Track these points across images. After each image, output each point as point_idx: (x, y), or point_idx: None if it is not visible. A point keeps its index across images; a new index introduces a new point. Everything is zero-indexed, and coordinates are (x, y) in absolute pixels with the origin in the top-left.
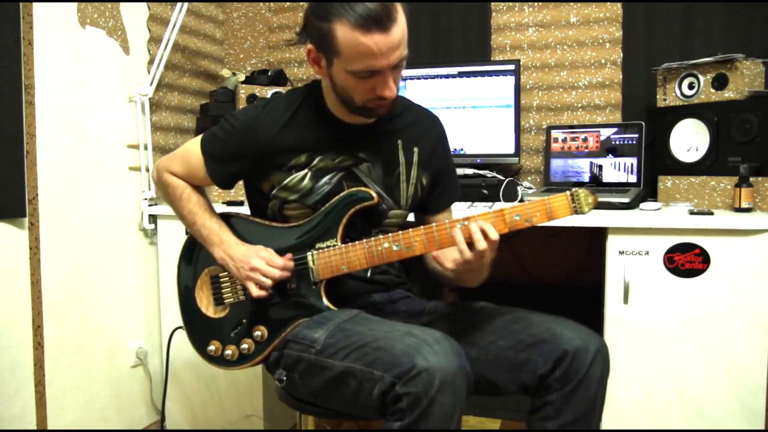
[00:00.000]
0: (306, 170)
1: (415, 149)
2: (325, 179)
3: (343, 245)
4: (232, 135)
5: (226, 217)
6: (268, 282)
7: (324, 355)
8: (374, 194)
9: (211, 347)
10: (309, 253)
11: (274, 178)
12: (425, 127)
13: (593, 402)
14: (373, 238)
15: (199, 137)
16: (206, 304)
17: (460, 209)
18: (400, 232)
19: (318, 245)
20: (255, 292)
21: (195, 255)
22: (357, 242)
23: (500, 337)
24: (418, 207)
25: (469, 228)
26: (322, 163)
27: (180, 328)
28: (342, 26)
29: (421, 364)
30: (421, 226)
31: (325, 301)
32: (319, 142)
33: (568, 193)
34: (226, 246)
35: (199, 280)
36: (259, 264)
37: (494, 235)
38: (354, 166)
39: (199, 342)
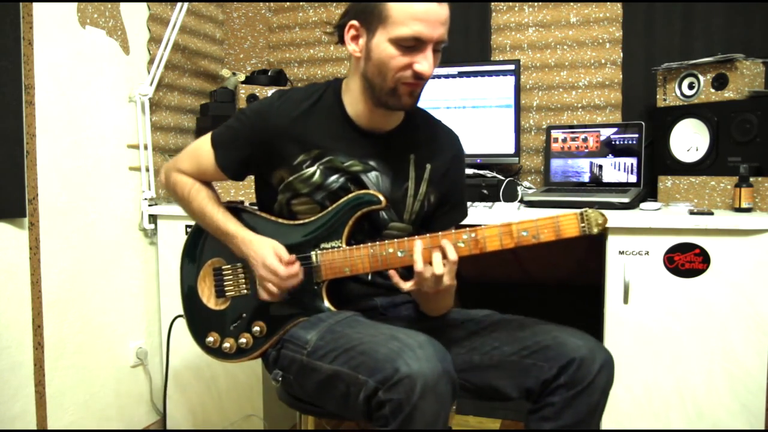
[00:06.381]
0: (315, 167)
1: (428, 166)
2: (334, 177)
3: (348, 247)
4: (243, 122)
5: (234, 211)
6: (276, 291)
7: (314, 357)
8: (382, 198)
9: (210, 338)
10: (313, 253)
11: (285, 169)
12: (442, 145)
13: (594, 410)
14: (378, 243)
15: (209, 133)
16: (208, 296)
17: None
18: (405, 238)
19: (323, 245)
20: (264, 296)
21: (199, 245)
22: (362, 245)
23: (505, 343)
24: (422, 222)
25: (430, 251)
26: (331, 163)
27: (180, 316)
28: None
29: (403, 370)
30: (427, 234)
31: (326, 302)
32: (331, 141)
33: (578, 212)
34: (239, 241)
35: (202, 271)
36: (267, 275)
37: (453, 256)
38: (362, 173)
39: (198, 332)
